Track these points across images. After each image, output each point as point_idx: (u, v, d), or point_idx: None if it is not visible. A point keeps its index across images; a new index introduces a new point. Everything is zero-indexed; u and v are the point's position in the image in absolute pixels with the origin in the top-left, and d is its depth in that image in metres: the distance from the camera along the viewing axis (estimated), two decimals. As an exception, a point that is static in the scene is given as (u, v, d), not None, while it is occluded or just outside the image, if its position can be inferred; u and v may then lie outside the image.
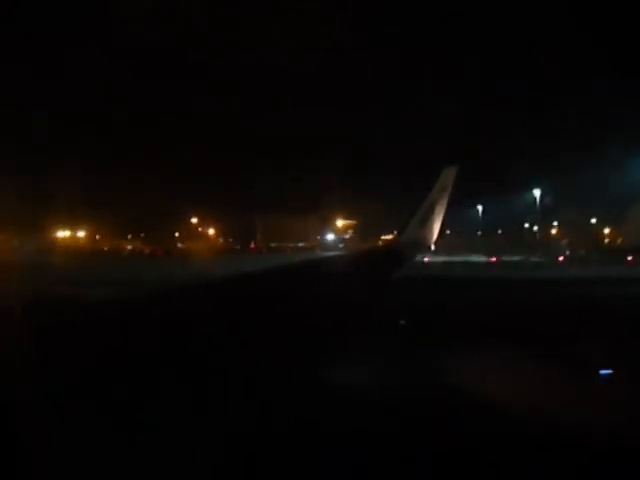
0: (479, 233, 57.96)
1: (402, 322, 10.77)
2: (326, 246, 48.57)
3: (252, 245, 57.36)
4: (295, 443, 2.55)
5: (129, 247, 53.96)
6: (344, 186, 46.25)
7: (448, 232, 61.03)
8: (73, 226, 55.02)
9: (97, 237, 57.90)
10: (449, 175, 10.75)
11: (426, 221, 10.57)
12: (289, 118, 69.58)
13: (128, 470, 1.62)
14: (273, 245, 52.42)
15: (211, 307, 3.20)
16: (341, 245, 49.63)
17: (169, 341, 2.47)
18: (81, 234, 56.92)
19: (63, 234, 55.31)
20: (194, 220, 61.71)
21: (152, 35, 46.34)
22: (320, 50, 37.51)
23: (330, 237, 53.54)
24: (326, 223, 57.61)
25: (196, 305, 3.21)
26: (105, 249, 50.41)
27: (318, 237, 58.25)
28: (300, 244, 52.64)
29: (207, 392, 2.18)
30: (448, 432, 4.01)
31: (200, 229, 62.87)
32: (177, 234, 61.87)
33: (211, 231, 63.71)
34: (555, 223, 55.61)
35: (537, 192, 50.48)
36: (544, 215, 52.69)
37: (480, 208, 57.34)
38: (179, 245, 54.59)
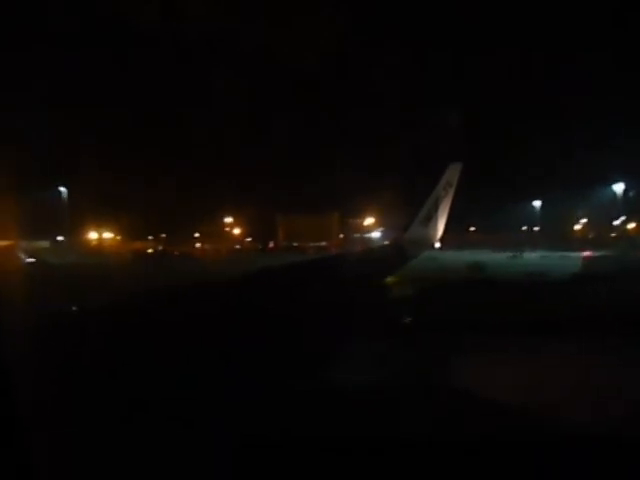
0: (536, 228, 58.63)
1: (407, 320, 10.52)
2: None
3: (271, 245, 57.39)
4: (296, 440, 2.56)
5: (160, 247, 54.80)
6: (360, 184, 46.09)
7: (473, 229, 59.87)
8: (97, 228, 56.06)
9: (118, 238, 58.86)
10: (454, 171, 10.48)
11: (430, 218, 10.27)
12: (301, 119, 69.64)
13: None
14: (296, 244, 52.40)
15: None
16: (386, 242, 49.04)
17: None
18: (107, 235, 58.01)
19: (93, 236, 56.45)
20: (228, 220, 62.21)
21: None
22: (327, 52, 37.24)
23: (376, 235, 53.58)
24: (349, 222, 57.44)
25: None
26: (149, 251, 51.22)
27: (341, 235, 58.13)
28: (322, 243, 52.48)
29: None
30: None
31: (227, 229, 63.50)
32: (197, 234, 62.48)
33: (237, 231, 64.25)
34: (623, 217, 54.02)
35: (619, 186, 48.13)
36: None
37: (538, 204, 57.27)
38: (197, 245, 55.21)
